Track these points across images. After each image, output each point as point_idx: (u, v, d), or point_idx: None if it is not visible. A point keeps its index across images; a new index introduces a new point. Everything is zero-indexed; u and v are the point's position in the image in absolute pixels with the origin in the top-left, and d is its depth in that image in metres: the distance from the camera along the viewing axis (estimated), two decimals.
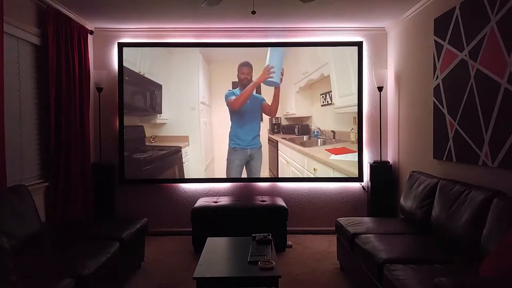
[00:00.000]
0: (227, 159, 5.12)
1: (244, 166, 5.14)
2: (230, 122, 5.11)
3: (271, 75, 5.06)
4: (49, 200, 3.96)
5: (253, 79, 5.10)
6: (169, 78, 5.09)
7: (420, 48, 4.20)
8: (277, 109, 5.11)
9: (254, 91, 5.10)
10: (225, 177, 5.13)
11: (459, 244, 2.85)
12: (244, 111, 5.12)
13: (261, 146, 5.14)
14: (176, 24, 4.89)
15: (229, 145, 5.12)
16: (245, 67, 5.11)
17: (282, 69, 5.08)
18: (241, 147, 5.12)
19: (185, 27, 4.99)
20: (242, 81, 5.11)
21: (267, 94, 5.11)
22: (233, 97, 5.07)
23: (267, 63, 5.08)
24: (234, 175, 5.12)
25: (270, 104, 5.10)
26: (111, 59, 5.10)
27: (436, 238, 3.12)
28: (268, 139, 5.15)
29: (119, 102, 5.03)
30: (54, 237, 3.27)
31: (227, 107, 5.11)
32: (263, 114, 5.13)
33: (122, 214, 5.00)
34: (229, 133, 5.11)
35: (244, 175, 5.13)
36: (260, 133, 5.13)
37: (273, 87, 5.10)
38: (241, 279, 2.61)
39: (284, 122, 5.14)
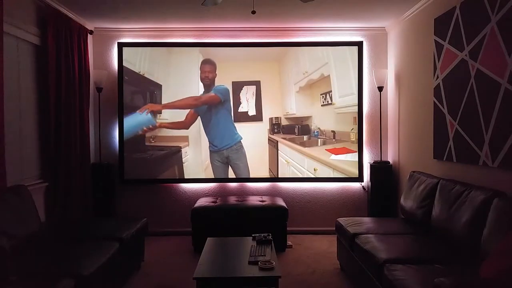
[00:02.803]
0: (210, 161, 5.11)
1: (230, 168, 5.13)
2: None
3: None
4: (49, 200, 3.96)
5: (216, 79, 5.05)
6: (169, 78, 5.08)
7: (420, 48, 4.19)
8: (183, 106, 5.03)
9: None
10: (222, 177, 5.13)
11: (459, 244, 2.85)
12: (203, 115, 5.08)
13: (238, 144, 5.08)
14: (176, 24, 4.89)
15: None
16: (207, 65, 5.04)
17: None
18: (215, 150, 5.10)
19: (185, 27, 4.98)
20: (203, 81, 5.06)
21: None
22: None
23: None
24: (218, 175, 5.10)
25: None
26: (111, 59, 5.09)
27: (436, 238, 3.12)
28: (268, 139, 5.15)
29: (119, 102, 5.03)
30: (54, 237, 3.27)
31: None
32: (263, 114, 5.12)
33: (122, 214, 4.99)
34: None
35: (231, 175, 5.13)
36: (235, 130, 5.08)
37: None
38: (241, 279, 2.61)
39: (284, 122, 5.14)
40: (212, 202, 4.58)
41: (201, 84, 5.08)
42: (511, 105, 2.72)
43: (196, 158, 5.12)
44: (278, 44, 5.09)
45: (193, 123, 5.08)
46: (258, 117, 5.13)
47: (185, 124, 5.06)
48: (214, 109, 5.08)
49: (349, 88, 5.08)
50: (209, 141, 5.09)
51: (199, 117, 5.09)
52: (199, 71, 5.05)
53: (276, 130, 5.14)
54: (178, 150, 5.11)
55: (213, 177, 5.11)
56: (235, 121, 5.10)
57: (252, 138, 5.12)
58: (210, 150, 5.10)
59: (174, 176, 5.11)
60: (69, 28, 4.23)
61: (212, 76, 5.04)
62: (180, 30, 5.05)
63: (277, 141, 5.14)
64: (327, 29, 5.06)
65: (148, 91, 5.08)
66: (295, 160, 5.13)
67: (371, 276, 2.83)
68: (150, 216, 4.45)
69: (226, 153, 5.09)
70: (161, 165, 5.09)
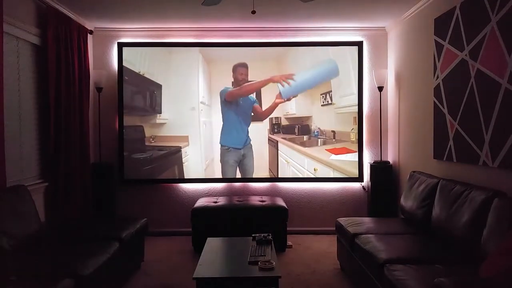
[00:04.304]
0: (221, 160, 5.10)
1: (238, 166, 5.14)
2: (222, 121, 5.11)
3: (285, 82, 5.02)
4: (49, 200, 3.96)
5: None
6: (169, 78, 5.08)
7: (420, 48, 4.19)
8: (267, 116, 5.11)
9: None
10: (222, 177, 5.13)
11: (459, 244, 2.84)
12: (240, 110, 5.10)
13: (251, 144, 5.13)
14: (176, 24, 4.89)
15: (221, 145, 5.11)
16: (243, 68, 5.10)
17: (295, 96, 5.07)
18: (235, 147, 5.11)
19: (185, 26, 4.98)
20: (240, 82, 5.09)
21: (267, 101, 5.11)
22: (234, 89, 5.07)
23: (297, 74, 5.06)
24: (229, 175, 5.11)
25: (262, 109, 5.09)
26: (111, 59, 5.09)
27: (436, 238, 3.12)
28: (268, 139, 5.15)
29: (119, 102, 5.03)
30: (54, 237, 3.26)
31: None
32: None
33: (122, 214, 4.99)
34: (221, 133, 5.10)
35: (238, 175, 5.13)
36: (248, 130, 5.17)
37: (277, 95, 5.08)
38: (241, 279, 2.61)
39: (284, 122, 5.14)
40: (212, 202, 4.58)
41: (201, 85, 5.08)
42: (511, 105, 2.71)
43: (196, 158, 5.11)
44: (278, 44, 5.09)
45: (243, 93, 5.09)
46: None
47: (241, 90, 5.09)
48: (249, 110, 5.11)
49: (349, 88, 5.08)
50: (231, 136, 5.08)
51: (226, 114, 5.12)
52: (232, 73, 5.08)
53: (276, 130, 5.14)
54: (178, 150, 5.11)
55: (214, 177, 5.11)
56: None
57: (252, 138, 5.12)
58: (224, 148, 5.09)
59: (174, 176, 5.11)
60: (69, 28, 4.23)
61: (247, 78, 5.09)
62: (180, 30, 5.05)
63: (277, 141, 5.14)
64: (327, 29, 5.06)
65: (148, 91, 5.07)
66: (295, 160, 5.13)
67: (371, 276, 2.83)
68: (150, 216, 4.45)
69: (243, 151, 5.11)
70: (161, 165, 5.09)
